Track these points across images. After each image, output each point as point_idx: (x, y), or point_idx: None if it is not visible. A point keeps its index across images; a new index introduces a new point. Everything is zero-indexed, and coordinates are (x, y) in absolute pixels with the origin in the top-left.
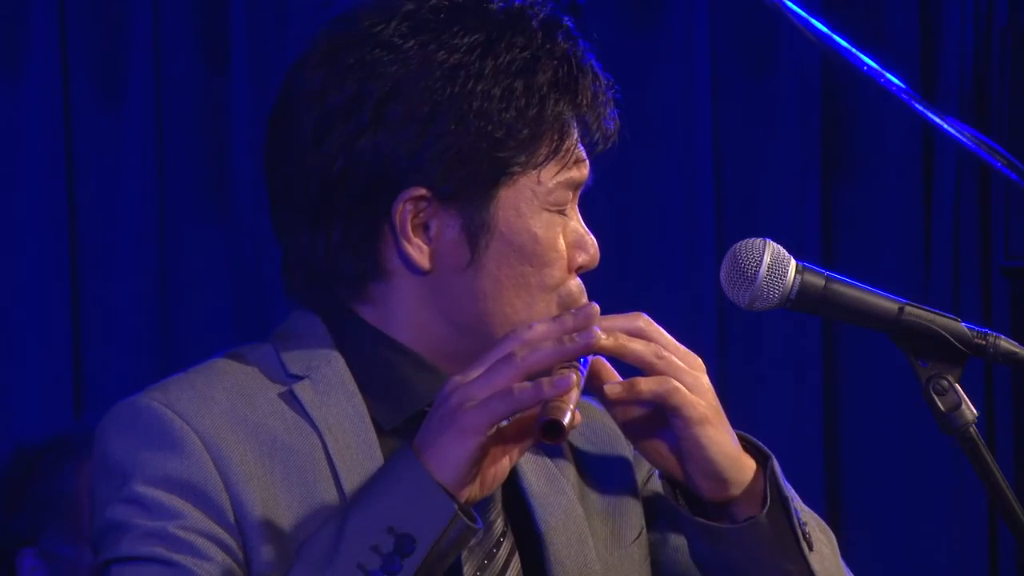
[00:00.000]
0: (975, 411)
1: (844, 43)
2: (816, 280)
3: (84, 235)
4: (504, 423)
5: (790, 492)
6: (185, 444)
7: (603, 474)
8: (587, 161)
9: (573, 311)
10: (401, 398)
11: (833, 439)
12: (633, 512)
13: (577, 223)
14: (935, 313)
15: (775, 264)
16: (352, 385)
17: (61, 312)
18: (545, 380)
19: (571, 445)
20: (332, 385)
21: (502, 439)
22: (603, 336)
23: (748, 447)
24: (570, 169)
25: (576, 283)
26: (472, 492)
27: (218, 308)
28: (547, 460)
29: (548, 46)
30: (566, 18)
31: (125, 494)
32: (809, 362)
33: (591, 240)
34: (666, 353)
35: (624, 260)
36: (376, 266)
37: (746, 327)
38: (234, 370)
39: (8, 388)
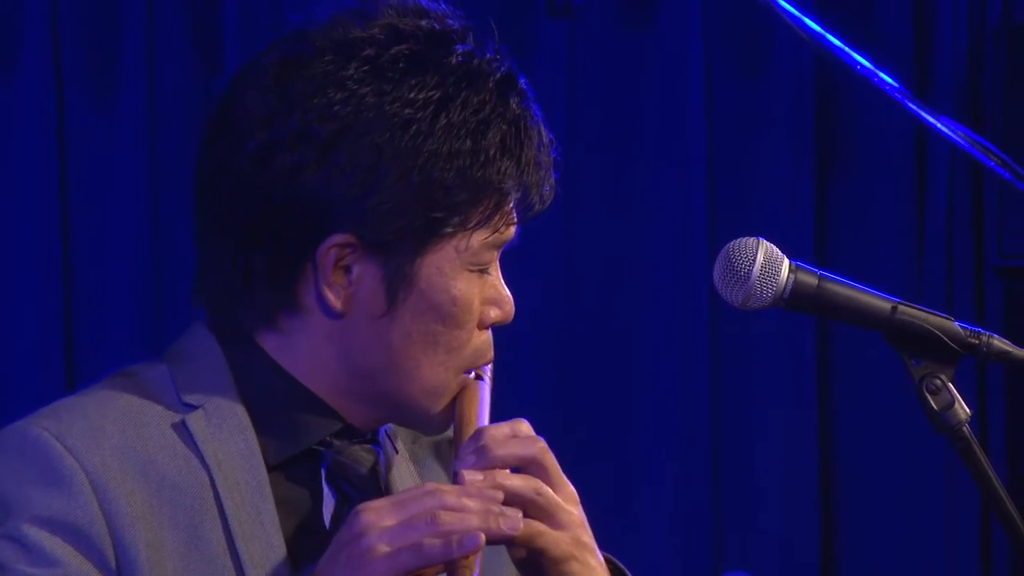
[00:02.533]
0: (968, 410)
1: (838, 42)
2: (809, 279)
3: (77, 236)
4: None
5: None
6: (72, 483)
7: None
8: (516, 224)
9: (508, 513)
10: (291, 434)
11: (827, 438)
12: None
13: (496, 279)
14: (928, 312)
15: (768, 263)
16: (245, 418)
17: (54, 314)
18: (454, 539)
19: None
20: (225, 417)
21: None
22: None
23: (615, 570)
24: (500, 232)
25: (483, 339)
26: None
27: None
28: None
29: (500, 108)
30: (521, 76)
31: (8, 530)
32: (803, 361)
33: (507, 297)
34: (545, 489)
35: (617, 259)
36: (291, 299)
37: (740, 326)
38: (128, 396)
39: (1, 390)
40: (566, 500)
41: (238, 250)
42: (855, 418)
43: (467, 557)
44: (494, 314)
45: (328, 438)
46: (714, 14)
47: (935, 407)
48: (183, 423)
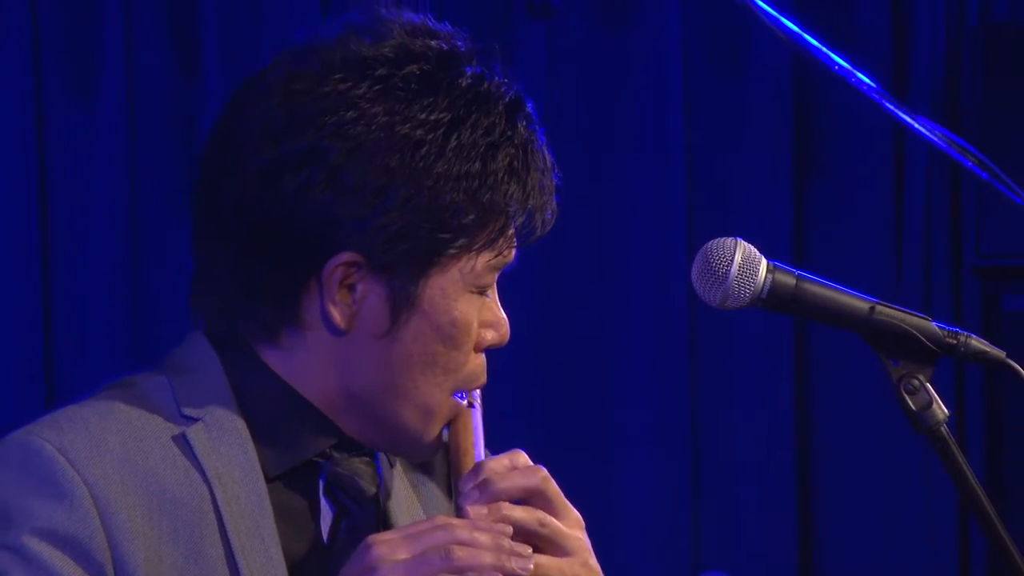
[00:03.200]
0: (946, 410)
1: (815, 42)
2: (787, 279)
3: (56, 235)
4: None
5: None
6: (74, 496)
7: None
8: (516, 248)
9: (519, 549)
10: (290, 446)
11: (805, 438)
12: None
13: (494, 301)
14: (906, 312)
15: (746, 263)
16: (245, 432)
17: (32, 312)
18: None
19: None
20: (225, 430)
21: None
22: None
23: None
24: (504, 255)
25: (479, 363)
26: None
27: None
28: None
29: (509, 132)
30: (528, 100)
31: (8, 540)
32: (781, 361)
33: (503, 319)
34: (548, 520)
35: (596, 259)
36: (294, 315)
37: (718, 326)
38: (129, 408)
39: None
40: (571, 526)
41: (238, 261)
42: (833, 418)
43: None
44: (490, 336)
45: (327, 450)
46: (692, 14)
47: (913, 407)
48: (183, 436)
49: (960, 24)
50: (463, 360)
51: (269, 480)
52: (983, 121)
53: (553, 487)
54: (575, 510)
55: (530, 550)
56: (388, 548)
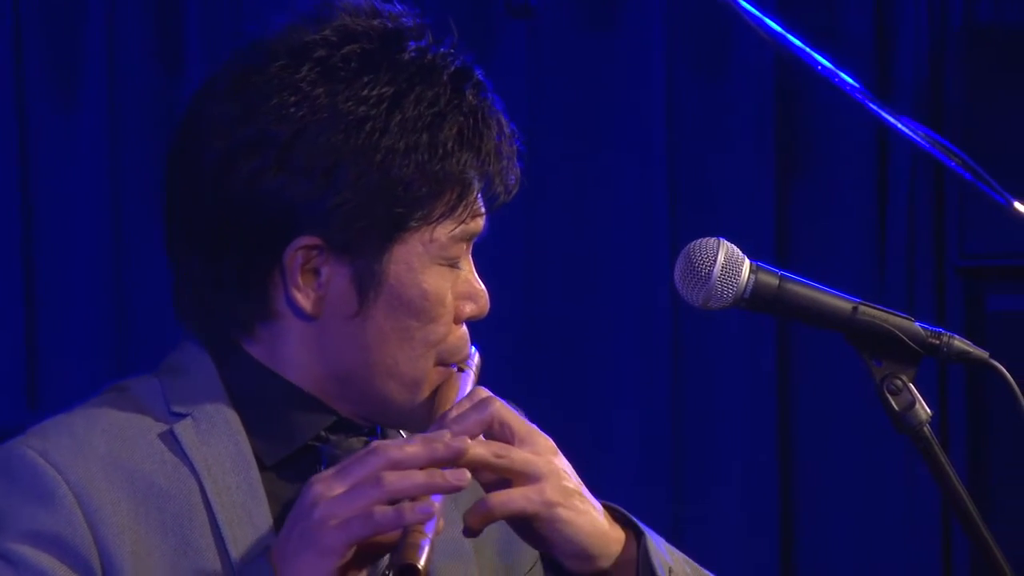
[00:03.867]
0: (929, 411)
1: (798, 42)
2: (770, 279)
3: (38, 237)
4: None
5: (667, 557)
6: (55, 496)
7: None
8: (484, 215)
9: (446, 440)
10: (285, 434)
11: (787, 438)
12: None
13: (469, 272)
14: (889, 313)
15: (729, 263)
16: (236, 423)
17: (15, 316)
18: (407, 506)
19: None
20: (215, 423)
21: (361, 555)
22: (469, 480)
23: (619, 518)
24: (467, 224)
25: (459, 335)
26: None
27: (173, 311)
28: None
29: (456, 101)
30: (477, 69)
31: None
32: (764, 361)
33: (481, 290)
34: (504, 451)
35: (578, 260)
36: (264, 307)
37: (700, 327)
38: (116, 410)
39: None
40: (540, 452)
41: (207, 259)
42: (816, 419)
43: (420, 527)
44: (469, 309)
45: (324, 433)
46: (675, 14)
47: (896, 408)
48: (171, 432)
49: (943, 25)
50: (443, 332)
51: (268, 469)
52: (966, 121)
53: (510, 415)
54: (543, 435)
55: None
56: (325, 485)
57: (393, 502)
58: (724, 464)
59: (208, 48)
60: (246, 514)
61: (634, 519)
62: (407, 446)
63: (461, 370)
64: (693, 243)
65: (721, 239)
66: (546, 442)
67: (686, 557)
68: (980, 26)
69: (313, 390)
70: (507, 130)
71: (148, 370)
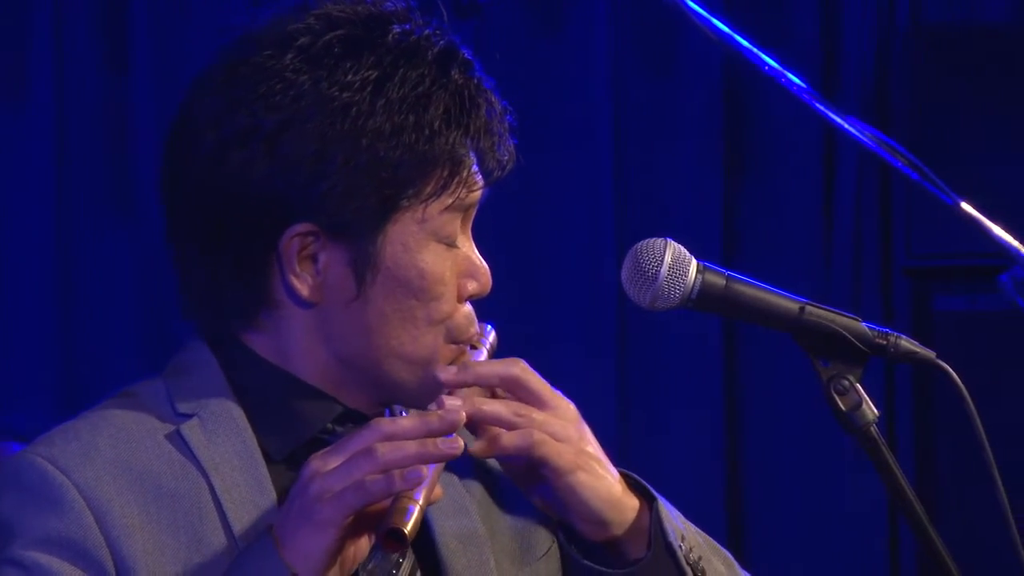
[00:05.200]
0: (876, 411)
1: (745, 42)
2: (717, 280)
3: None
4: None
5: (680, 525)
6: (64, 500)
7: (512, 490)
8: (480, 187)
9: (440, 412)
10: (292, 427)
11: (734, 438)
12: (542, 526)
13: (469, 250)
14: (836, 313)
15: (676, 264)
16: (242, 420)
17: None
18: (396, 473)
19: (480, 462)
20: (221, 422)
21: (359, 524)
22: (462, 448)
23: (634, 486)
24: (461, 199)
25: (465, 313)
26: (332, 575)
27: (120, 310)
28: (453, 478)
29: (442, 80)
30: (464, 48)
31: (8, 555)
32: (710, 362)
33: (483, 267)
34: (525, 410)
35: (525, 260)
36: (264, 296)
37: (647, 327)
38: (122, 414)
39: None
40: (563, 417)
41: (204, 252)
42: (763, 419)
43: (410, 493)
44: (471, 287)
45: (331, 426)
46: (622, 14)
47: (843, 408)
48: (178, 432)
49: (890, 25)
50: (447, 310)
51: (277, 463)
52: (913, 121)
53: (535, 378)
54: (569, 402)
55: (459, 439)
56: (321, 462)
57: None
58: (671, 470)
59: (155, 50)
60: (255, 509)
61: (649, 487)
62: (400, 419)
63: (475, 348)
64: (640, 243)
65: (668, 239)
66: (569, 407)
67: (698, 528)
68: (927, 26)
69: (319, 381)
70: (498, 107)
71: (94, 372)
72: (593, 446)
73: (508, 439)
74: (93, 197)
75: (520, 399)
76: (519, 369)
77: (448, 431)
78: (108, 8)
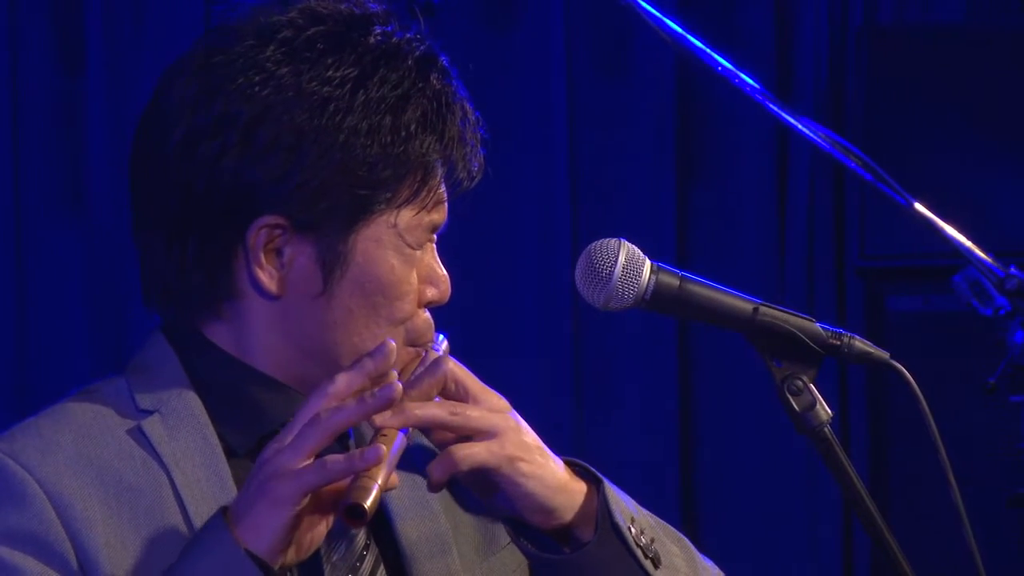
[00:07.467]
0: (829, 411)
1: (699, 43)
2: (671, 280)
3: None
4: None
5: (631, 508)
6: (26, 495)
7: None
8: (446, 204)
9: (373, 357)
10: (253, 421)
11: (688, 438)
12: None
13: (431, 258)
14: (789, 313)
15: (630, 264)
16: (203, 415)
17: None
18: (356, 452)
19: None
20: (182, 418)
21: (317, 505)
22: (400, 391)
23: (580, 472)
24: (430, 212)
25: (424, 318)
26: (288, 557)
27: (74, 311)
28: (416, 478)
29: (420, 84)
30: (443, 55)
31: None
32: (664, 362)
33: (443, 276)
34: (459, 408)
35: (478, 260)
36: (228, 286)
37: (601, 327)
38: (83, 410)
39: None
40: (495, 409)
41: (171, 240)
42: (717, 419)
43: (371, 470)
44: (431, 293)
45: (290, 419)
46: (575, 14)
47: (797, 408)
48: (139, 428)
49: (844, 25)
50: (408, 311)
51: (240, 457)
52: (866, 122)
53: (464, 374)
54: (497, 393)
55: (395, 386)
56: (277, 440)
57: (341, 442)
58: (623, 469)
59: (109, 49)
60: (216, 504)
61: (595, 471)
62: (339, 375)
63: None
64: (594, 244)
65: (622, 240)
66: (500, 400)
67: (652, 514)
68: (880, 26)
69: (280, 374)
70: (471, 117)
71: (46, 372)
72: (531, 436)
73: (435, 473)
74: (46, 197)
75: (451, 396)
76: (447, 368)
77: (387, 369)
78: (64, 11)
